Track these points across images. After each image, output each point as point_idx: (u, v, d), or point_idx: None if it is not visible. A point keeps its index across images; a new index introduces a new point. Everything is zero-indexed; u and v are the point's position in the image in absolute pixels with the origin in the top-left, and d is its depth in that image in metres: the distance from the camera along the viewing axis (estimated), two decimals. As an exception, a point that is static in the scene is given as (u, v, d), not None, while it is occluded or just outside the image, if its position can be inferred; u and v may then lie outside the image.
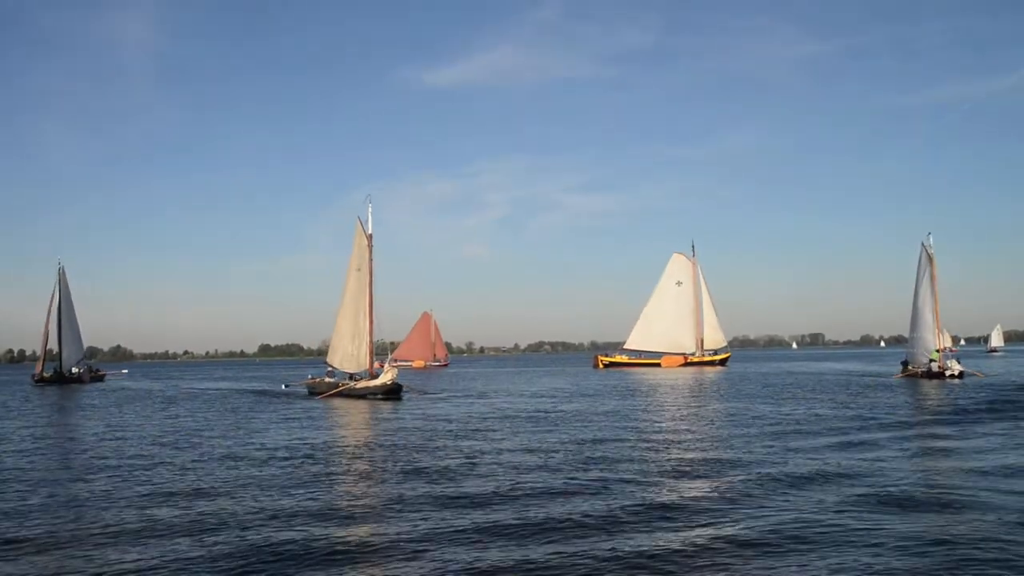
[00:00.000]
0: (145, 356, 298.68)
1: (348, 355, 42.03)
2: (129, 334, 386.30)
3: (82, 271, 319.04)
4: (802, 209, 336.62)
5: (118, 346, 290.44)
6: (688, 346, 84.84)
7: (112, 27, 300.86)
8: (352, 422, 28.69)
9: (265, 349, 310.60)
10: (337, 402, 37.39)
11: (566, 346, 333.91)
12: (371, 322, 41.57)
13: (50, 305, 62.98)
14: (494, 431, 23.69)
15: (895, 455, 17.63)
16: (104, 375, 74.30)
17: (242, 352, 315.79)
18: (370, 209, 42.80)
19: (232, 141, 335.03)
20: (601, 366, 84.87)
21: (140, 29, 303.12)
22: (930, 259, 49.13)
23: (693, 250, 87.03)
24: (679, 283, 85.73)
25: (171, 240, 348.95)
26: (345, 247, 43.77)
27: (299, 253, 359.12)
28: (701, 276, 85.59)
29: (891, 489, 13.32)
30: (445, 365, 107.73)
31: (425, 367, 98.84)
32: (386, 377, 39.68)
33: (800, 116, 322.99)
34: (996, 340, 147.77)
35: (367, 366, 41.59)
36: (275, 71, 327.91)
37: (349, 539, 10.66)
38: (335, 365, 42.88)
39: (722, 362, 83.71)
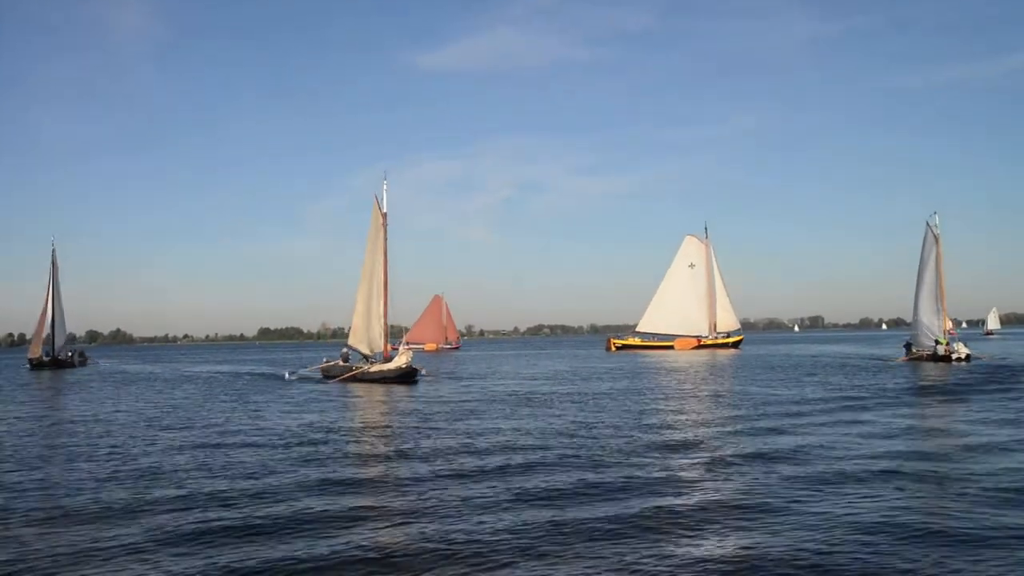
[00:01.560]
0: (145, 340, 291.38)
1: (365, 337, 39.29)
2: (129, 318, 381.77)
3: (80, 255, 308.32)
4: (800, 191, 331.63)
5: (118, 330, 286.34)
6: (701, 328, 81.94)
7: (110, 8, 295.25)
8: (365, 406, 26.02)
9: (265, 332, 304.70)
10: (350, 386, 34.82)
11: (565, 329, 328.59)
12: (386, 303, 38.82)
13: (48, 287, 60.11)
14: (529, 413, 21.63)
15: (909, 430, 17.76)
16: (88, 359, 71.02)
17: (242, 336, 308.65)
18: (385, 186, 39.96)
19: (229, 123, 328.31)
20: (614, 348, 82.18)
21: (138, 11, 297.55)
22: (936, 239, 46.01)
23: (706, 232, 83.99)
24: (692, 265, 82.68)
25: (169, 223, 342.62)
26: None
27: (297, 236, 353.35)
28: (714, 258, 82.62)
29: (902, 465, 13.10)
30: (457, 348, 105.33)
31: (437, 350, 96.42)
32: (400, 360, 37.02)
33: (801, 97, 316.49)
34: (992, 323, 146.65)
35: (382, 348, 38.92)
36: (272, 54, 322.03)
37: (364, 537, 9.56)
38: (356, 347, 40.07)
39: (735, 344, 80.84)
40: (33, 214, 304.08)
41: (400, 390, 32.30)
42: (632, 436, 16.94)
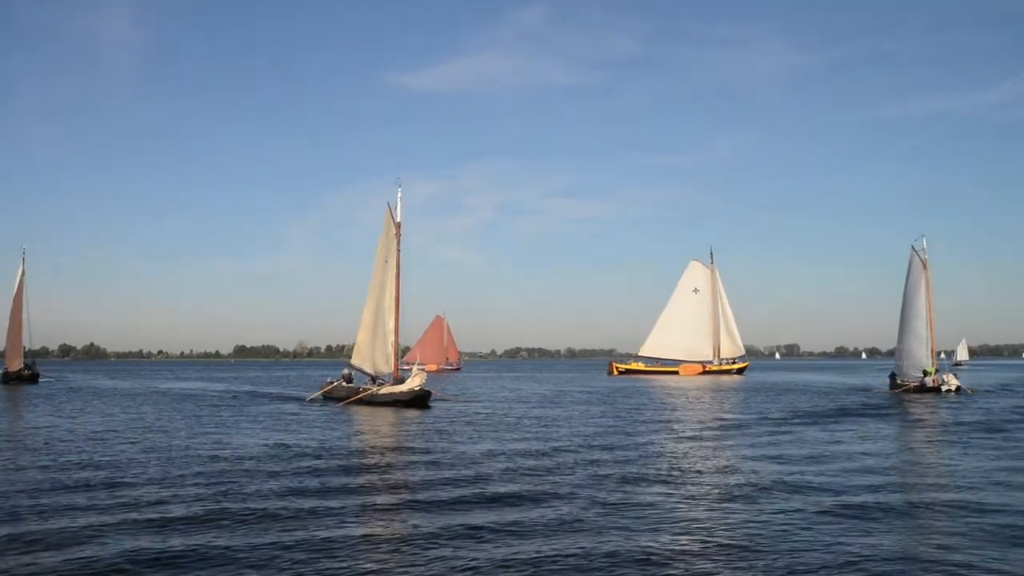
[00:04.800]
0: (119, 355, 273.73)
1: (372, 356, 34.13)
2: (103, 332, 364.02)
3: (54, 267, 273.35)
4: (778, 220, 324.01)
5: (91, 344, 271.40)
6: (706, 354, 77.06)
7: (93, 18, 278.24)
8: (375, 432, 20.88)
9: (241, 350, 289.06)
10: (356, 410, 29.71)
11: (542, 353, 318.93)
12: (397, 320, 33.74)
13: (17, 297, 53.36)
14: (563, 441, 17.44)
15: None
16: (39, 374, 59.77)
17: (217, 353, 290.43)
18: (400, 193, 35.01)
19: (210, 140, 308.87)
20: (616, 372, 77.15)
21: (121, 23, 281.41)
22: (923, 264, 41.07)
23: (711, 258, 79.48)
24: (696, 290, 77.99)
25: (146, 237, 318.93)
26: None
27: (276, 253, 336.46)
28: (720, 284, 78.02)
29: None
30: (458, 369, 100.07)
31: (438, 371, 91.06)
32: (414, 382, 31.94)
33: (782, 127, 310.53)
34: (962, 354, 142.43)
35: (391, 369, 33.78)
36: (256, 71, 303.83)
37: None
38: (361, 367, 34.86)
39: (740, 371, 75.96)
40: (5, 221, 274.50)
41: (412, 414, 27.29)
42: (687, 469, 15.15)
